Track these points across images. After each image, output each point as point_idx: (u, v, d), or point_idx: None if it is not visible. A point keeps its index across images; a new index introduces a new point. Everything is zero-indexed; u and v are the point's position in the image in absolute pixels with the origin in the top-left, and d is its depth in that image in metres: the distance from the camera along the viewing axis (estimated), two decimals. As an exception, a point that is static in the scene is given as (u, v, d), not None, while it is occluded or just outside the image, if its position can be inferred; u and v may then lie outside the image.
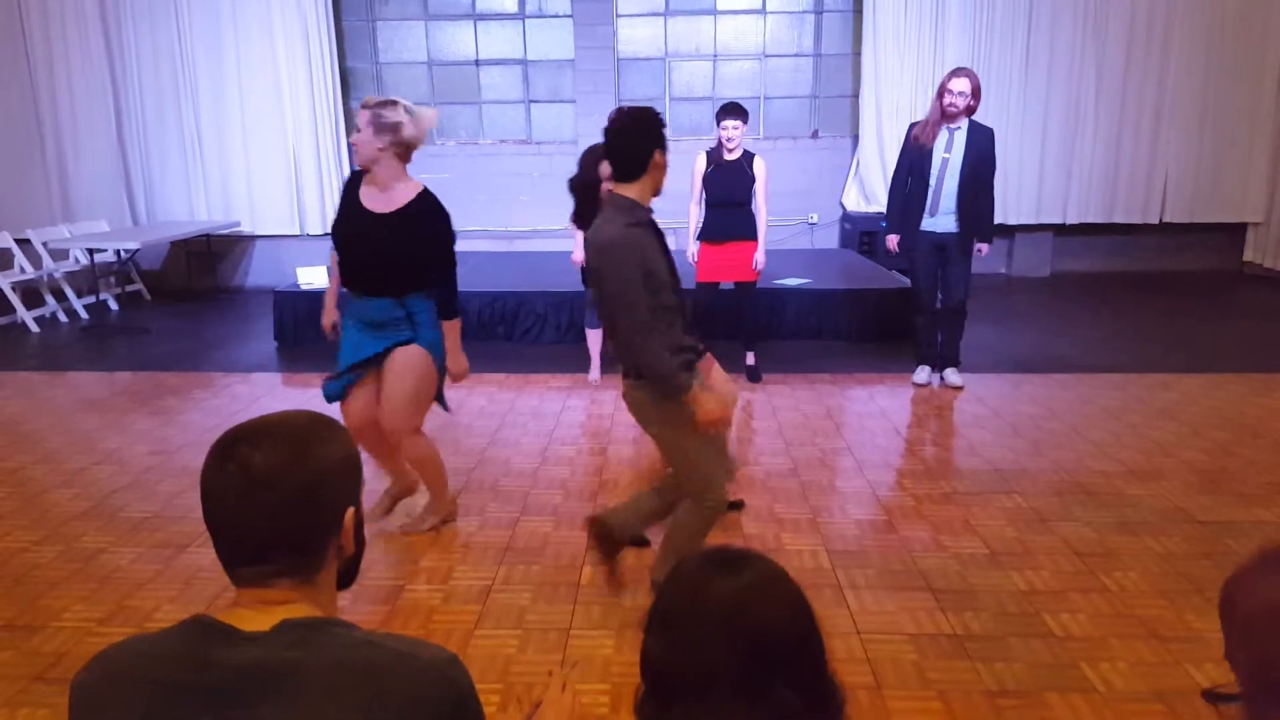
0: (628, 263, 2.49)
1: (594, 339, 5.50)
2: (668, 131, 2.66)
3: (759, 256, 5.26)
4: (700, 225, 5.30)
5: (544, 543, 3.43)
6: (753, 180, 5.17)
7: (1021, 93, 8.43)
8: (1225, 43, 8.37)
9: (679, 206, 5.49)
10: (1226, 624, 0.88)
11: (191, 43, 8.43)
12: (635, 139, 2.58)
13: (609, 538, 2.91)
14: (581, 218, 3.12)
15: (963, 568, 3.17)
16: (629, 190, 2.60)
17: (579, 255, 5.21)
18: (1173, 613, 2.86)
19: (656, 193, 2.67)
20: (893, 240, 5.22)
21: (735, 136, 5.09)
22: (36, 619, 2.92)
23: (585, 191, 3.09)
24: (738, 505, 3.63)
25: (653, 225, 2.65)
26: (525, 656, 2.68)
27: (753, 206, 5.24)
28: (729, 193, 5.17)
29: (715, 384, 2.87)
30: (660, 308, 2.56)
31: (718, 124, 5.13)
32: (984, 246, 5.12)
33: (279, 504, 1.04)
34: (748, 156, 5.19)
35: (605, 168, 3.00)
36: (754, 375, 5.51)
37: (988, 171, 5.00)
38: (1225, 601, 0.88)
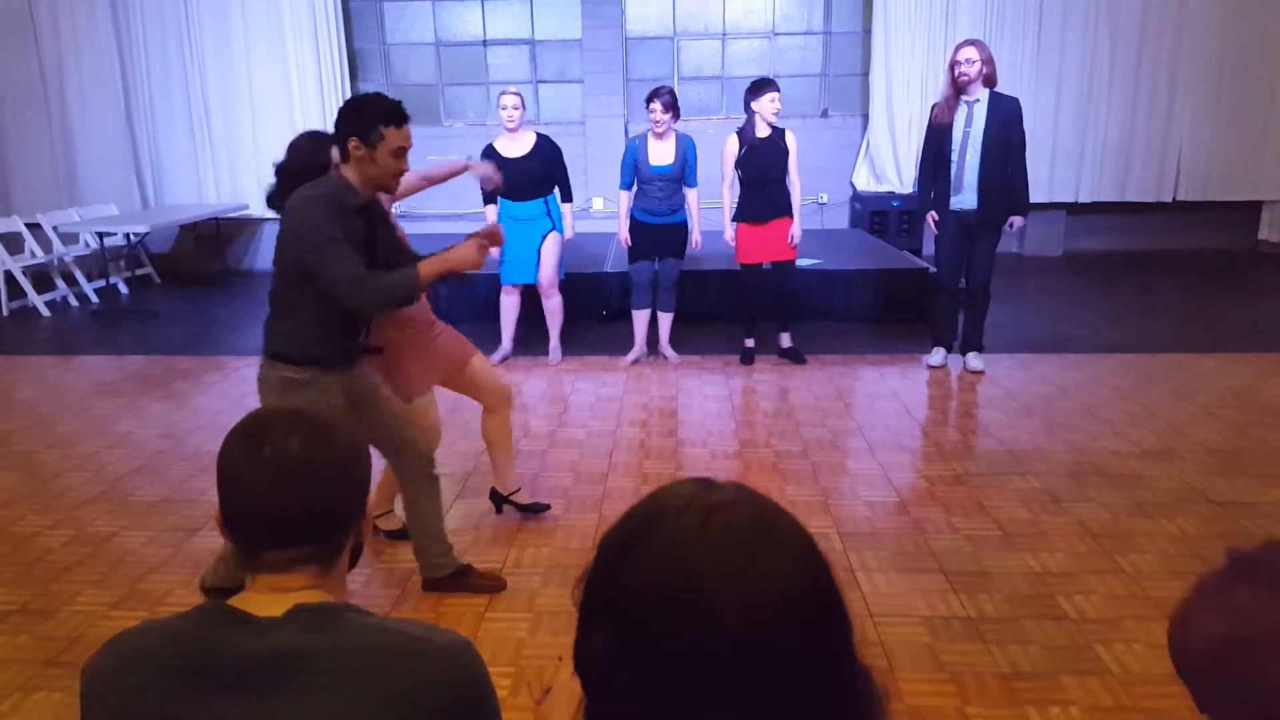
0: (327, 212, 2.36)
1: (639, 320, 5.50)
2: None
3: (795, 231, 5.24)
4: (736, 207, 5.26)
5: (554, 525, 3.42)
6: (787, 154, 5.14)
7: (1034, 69, 8.32)
8: (1241, 18, 8.24)
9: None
10: (1188, 678, 0.82)
11: (199, 26, 8.40)
12: (338, 117, 2.46)
13: (444, 580, 2.93)
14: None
15: (975, 549, 3.15)
16: (344, 171, 2.48)
17: (624, 235, 5.25)
18: (1188, 594, 2.84)
19: (379, 188, 2.51)
20: (931, 216, 5.10)
21: (779, 109, 5.08)
22: (50, 603, 2.93)
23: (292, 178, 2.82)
24: (542, 507, 3.48)
25: (364, 216, 2.48)
26: (537, 640, 2.68)
27: (786, 182, 5.21)
28: (768, 170, 5.14)
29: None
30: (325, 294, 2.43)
31: (755, 99, 5.06)
32: (1017, 219, 5.02)
33: (318, 489, 1.05)
34: (778, 132, 5.15)
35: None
36: (797, 356, 5.45)
37: (1016, 142, 4.87)
38: (1178, 659, 0.83)
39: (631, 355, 5.53)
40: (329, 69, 8.47)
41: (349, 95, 8.58)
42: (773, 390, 5.00)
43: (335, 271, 2.37)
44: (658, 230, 5.28)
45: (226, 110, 8.59)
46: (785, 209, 5.21)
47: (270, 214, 9.19)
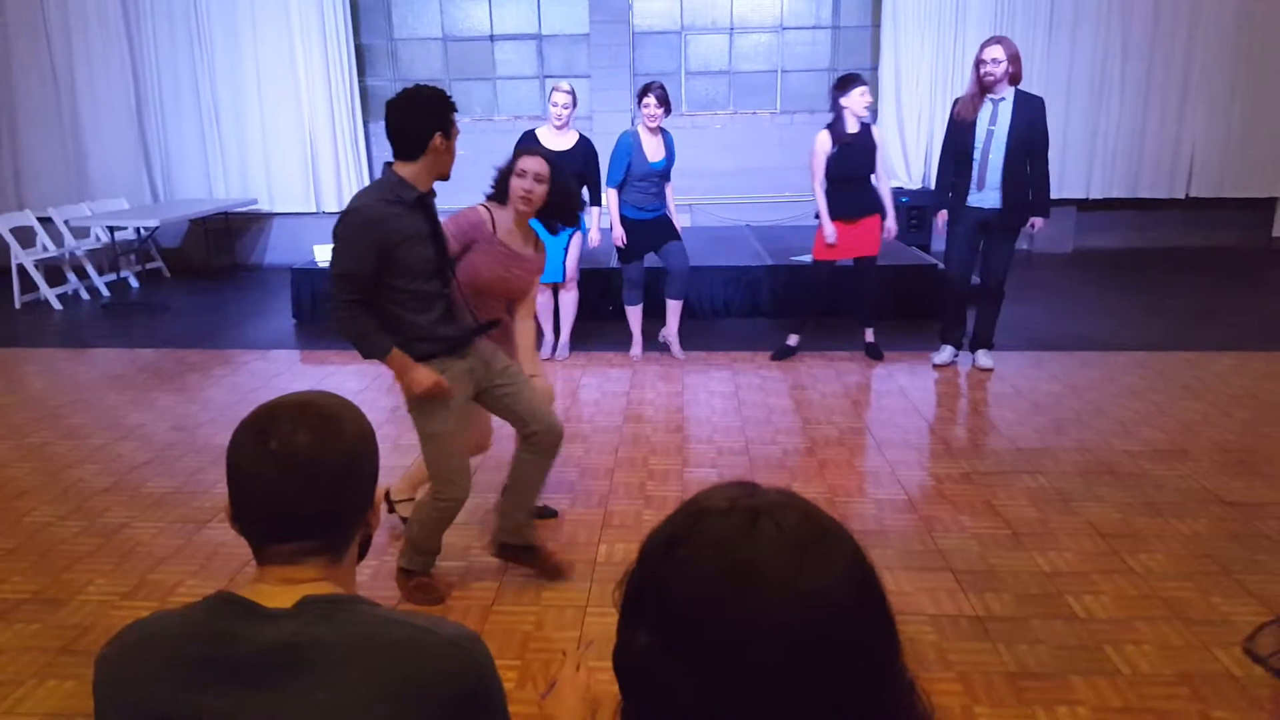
0: (358, 235, 2.46)
1: (634, 315, 5.52)
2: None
3: (891, 225, 5.24)
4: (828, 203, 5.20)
5: (560, 520, 3.43)
6: (876, 150, 5.12)
7: (1044, 65, 8.26)
8: (1255, 12, 8.17)
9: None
10: None
11: (209, 21, 8.41)
12: (412, 116, 2.50)
13: (518, 548, 2.96)
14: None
15: (984, 548, 3.14)
16: (404, 169, 2.53)
17: (619, 234, 5.25)
18: (1199, 595, 2.82)
19: (441, 176, 2.59)
20: (942, 216, 5.09)
21: (870, 102, 5.09)
22: (62, 592, 2.95)
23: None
24: (549, 513, 3.47)
25: (424, 208, 2.57)
26: (543, 633, 2.69)
27: (872, 178, 5.19)
28: (860, 167, 5.12)
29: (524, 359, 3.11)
30: (412, 293, 2.55)
31: (844, 95, 5.02)
32: (1038, 221, 4.95)
33: (326, 482, 1.05)
34: (866, 127, 5.13)
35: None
36: (876, 353, 5.43)
37: (1040, 142, 4.81)
38: None
39: (635, 352, 5.53)
40: (336, 64, 8.48)
41: (356, 90, 8.64)
42: (779, 387, 4.99)
43: (341, 288, 2.49)
44: (648, 225, 5.28)
45: (235, 105, 8.61)
46: (873, 206, 5.18)
47: (279, 209, 9.21)
